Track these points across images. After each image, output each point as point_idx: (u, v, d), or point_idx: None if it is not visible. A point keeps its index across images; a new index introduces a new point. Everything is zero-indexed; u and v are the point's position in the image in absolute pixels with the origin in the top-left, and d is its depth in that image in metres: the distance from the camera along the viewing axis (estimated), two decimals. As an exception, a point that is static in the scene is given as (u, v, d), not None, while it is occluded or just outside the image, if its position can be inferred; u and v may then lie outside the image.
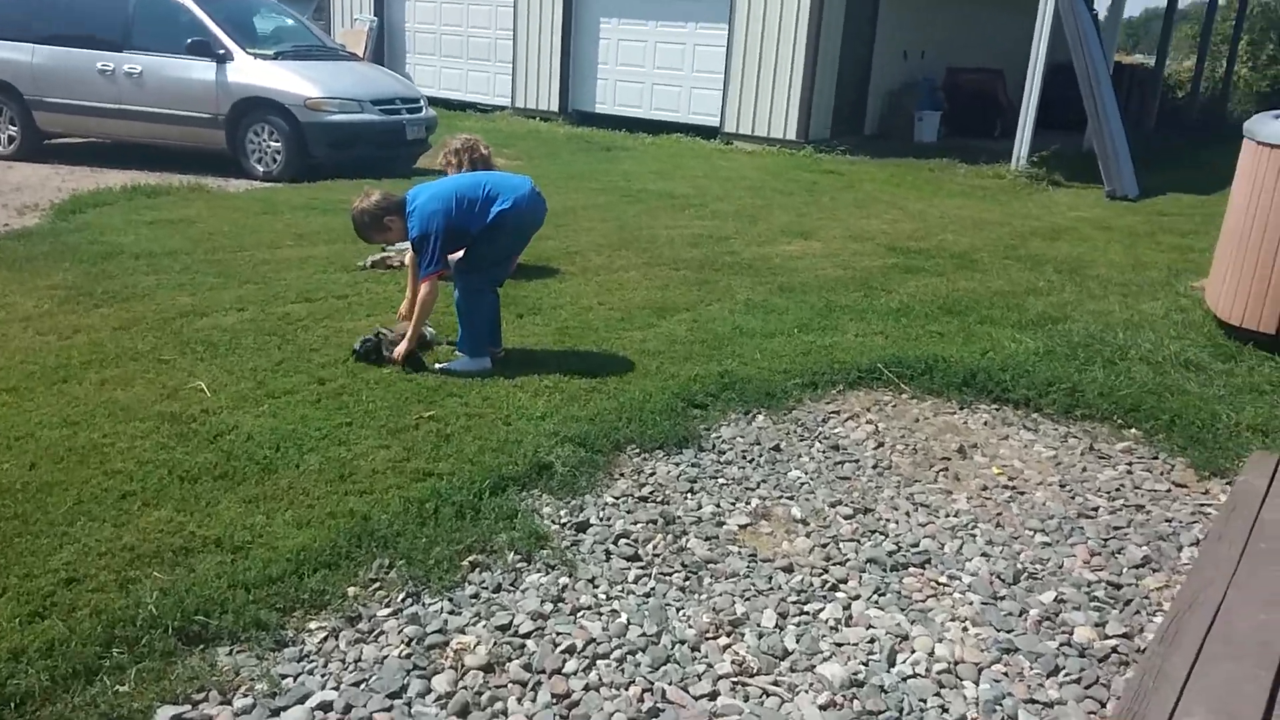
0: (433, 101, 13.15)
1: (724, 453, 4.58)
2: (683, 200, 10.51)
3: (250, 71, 11.22)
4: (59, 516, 3.69)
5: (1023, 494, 4.32)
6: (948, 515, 4.09)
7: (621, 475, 4.32)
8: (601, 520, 3.94)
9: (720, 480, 4.33)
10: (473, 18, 17.85)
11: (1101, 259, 8.56)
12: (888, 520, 4.02)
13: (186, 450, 4.26)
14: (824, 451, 4.64)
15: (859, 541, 3.85)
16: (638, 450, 4.53)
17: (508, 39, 17.32)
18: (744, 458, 4.54)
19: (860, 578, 3.61)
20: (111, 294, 6.36)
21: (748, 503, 4.14)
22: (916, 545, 3.83)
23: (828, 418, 5.01)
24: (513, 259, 5.58)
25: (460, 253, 5.34)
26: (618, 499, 4.12)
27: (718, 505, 4.10)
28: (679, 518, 3.98)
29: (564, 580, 3.52)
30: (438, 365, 5.30)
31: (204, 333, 5.69)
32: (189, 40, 11.15)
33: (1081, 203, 11.75)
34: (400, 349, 5.25)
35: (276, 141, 11.28)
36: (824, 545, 3.81)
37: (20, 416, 4.51)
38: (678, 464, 4.44)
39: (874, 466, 4.52)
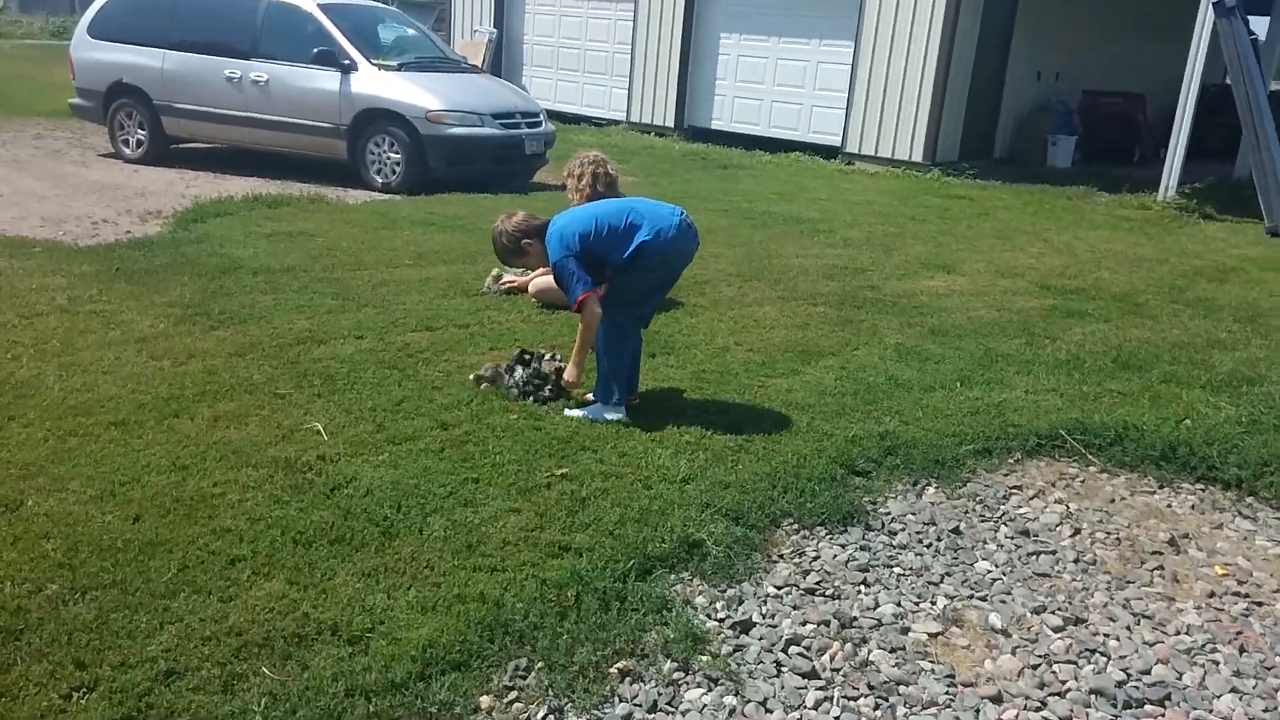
0: (549, 115, 12.71)
1: (895, 533, 3.96)
2: (810, 225, 9.87)
3: (374, 82, 10.93)
4: (161, 586, 3.25)
5: (1260, 605, 3.60)
6: (1177, 632, 3.40)
7: (781, 558, 3.73)
8: (765, 618, 3.35)
9: (896, 570, 3.70)
10: (591, 31, 17.45)
11: (1273, 307, 7.66)
12: (1106, 636, 3.35)
13: (301, 505, 3.79)
14: (1012, 538, 3.98)
15: (1076, 664, 3.19)
16: (796, 526, 3.93)
17: (625, 53, 16.87)
18: (920, 541, 3.90)
19: (1088, 716, 2.95)
20: (229, 314, 5.99)
21: (933, 601, 3.51)
22: (1148, 672, 3.15)
23: (1009, 494, 4.34)
24: (659, 296, 5.03)
25: (601, 288, 4.80)
26: (781, 589, 3.53)
27: (898, 604, 3.48)
28: (855, 620, 3.37)
29: (730, 701, 2.94)
30: (567, 410, 4.77)
31: (321, 363, 5.26)
32: (315, 50, 10.91)
33: (1241, 239, 10.78)
34: (570, 373, 4.85)
35: (396, 153, 10.95)
36: (1034, 667, 3.16)
37: (128, 457, 4.11)
38: (844, 546, 3.83)
39: (1075, 560, 3.84)
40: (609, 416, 4.73)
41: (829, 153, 14.79)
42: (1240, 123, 11.69)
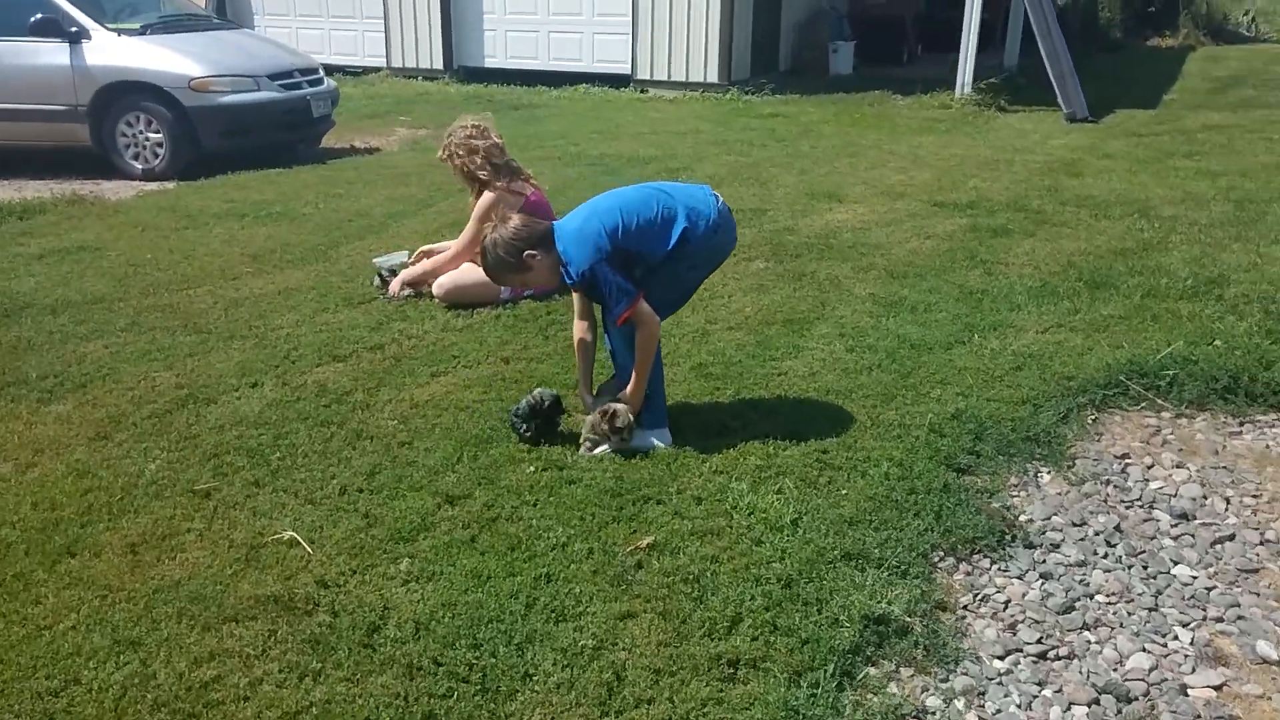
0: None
1: (1057, 545, 3.25)
2: (661, 164, 8.98)
3: (115, 51, 9.02)
4: None
5: None
6: None
7: (966, 609, 2.94)
8: (1024, 708, 2.55)
9: (1100, 599, 3.01)
10: (330, -31, 15.53)
11: (1153, 195, 7.56)
12: (1400, 643, 2.77)
13: (344, 675, 2.62)
14: (1176, 525, 3.37)
15: None
16: (952, 561, 3.15)
17: (374, -9, 15.13)
18: (1093, 553, 3.22)
19: None
20: (55, 377, 4.49)
21: (1175, 637, 2.83)
22: None
23: (1123, 466, 3.73)
24: (688, 299, 4.08)
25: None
26: (1005, 659, 2.74)
27: (1144, 649, 2.78)
28: (1122, 685, 2.63)
29: None
30: (594, 449, 3.75)
31: (227, 433, 3.94)
32: (33, 18, 8.80)
33: (1049, 128, 10.83)
34: (635, 402, 3.75)
35: (156, 132, 9.15)
36: (1371, 709, 2.54)
37: (31, 652, 2.75)
38: (1021, 577, 3.09)
39: (1261, 541, 3.27)
40: (658, 443, 3.76)
41: (618, 82, 13.87)
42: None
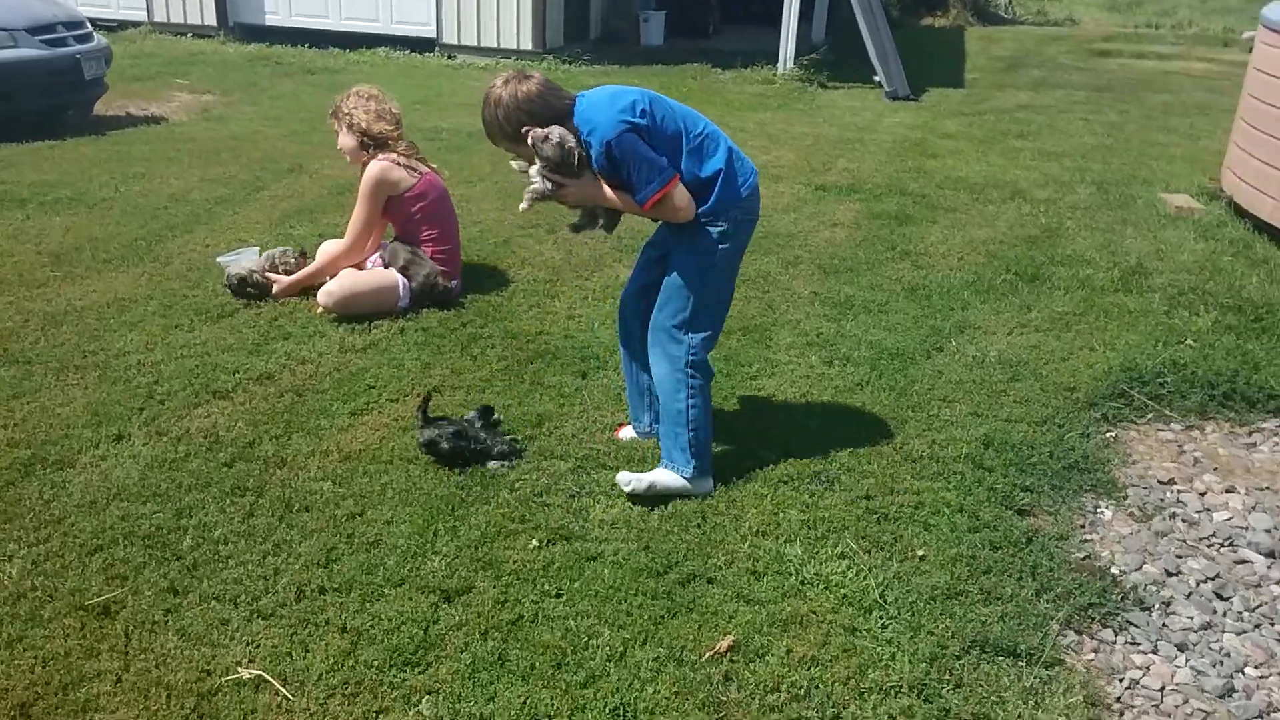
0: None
1: (1169, 604, 2.86)
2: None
3: None
4: None
5: None
6: None
7: (1121, 703, 2.46)
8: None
9: (1253, 672, 2.62)
10: (74, -93, 13.38)
11: (1015, 177, 7.48)
12: None
13: None
14: (1271, 565, 3.04)
15: None
16: (1070, 631, 2.68)
17: (127, -66, 13.21)
18: (1212, 611, 2.85)
19: None
20: None
21: (1351, 712, 2.47)
22: None
23: (1176, 495, 3.40)
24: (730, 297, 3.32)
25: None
26: (1195, 763, 2.28)
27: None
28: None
29: None
30: (630, 483, 3.04)
31: (106, 510, 2.96)
32: None
33: (877, 106, 10.72)
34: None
35: (-116, 96, 7.39)
36: None
37: None
38: (1154, 649, 2.67)
39: (1356, 577, 2.99)
40: (695, 490, 3.15)
41: (421, 46, 12.72)
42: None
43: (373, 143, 4.57)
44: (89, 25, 8.67)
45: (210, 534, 2.86)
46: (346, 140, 4.63)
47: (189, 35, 13.31)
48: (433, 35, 12.64)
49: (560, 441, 3.43)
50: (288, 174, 6.78)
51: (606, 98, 2.96)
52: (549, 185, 2.99)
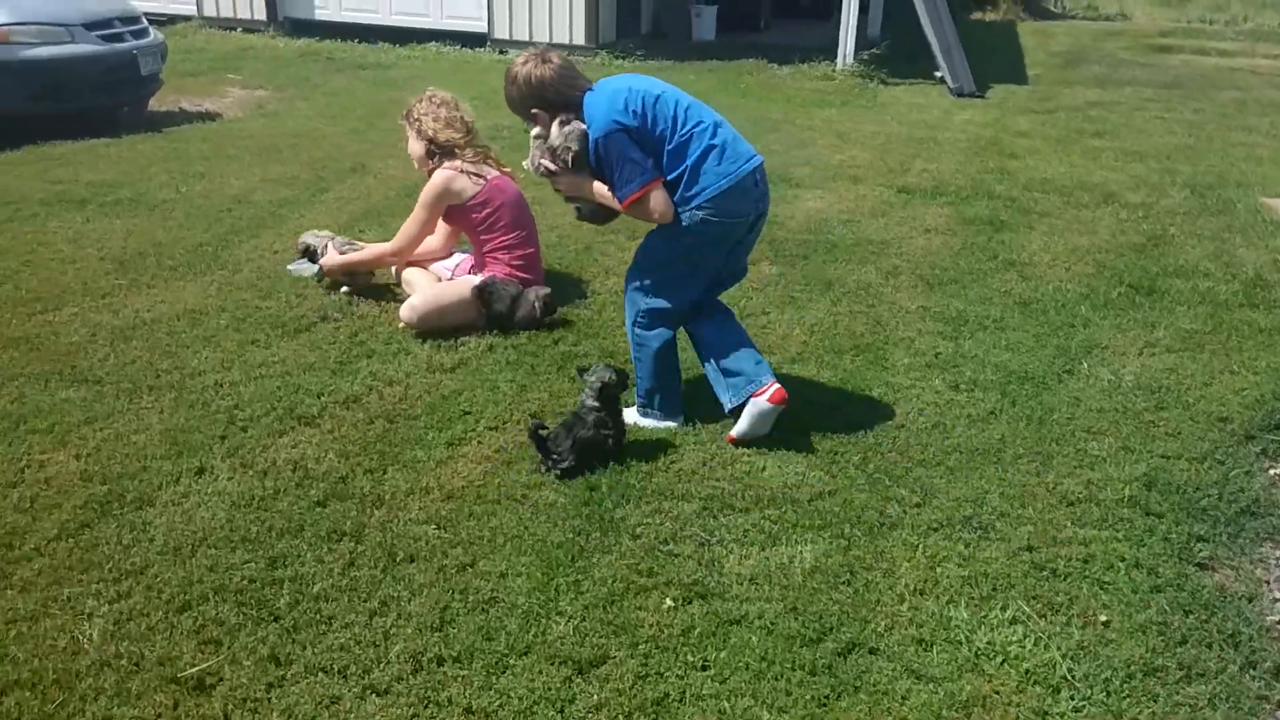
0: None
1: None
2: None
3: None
4: None
5: None
6: None
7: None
8: None
9: None
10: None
11: (1103, 179, 7.04)
12: None
13: None
14: None
15: None
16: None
17: (176, -73, 12.98)
18: None
19: None
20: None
21: None
22: None
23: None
24: (712, 272, 3.39)
25: None
26: None
27: None
28: None
29: None
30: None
31: (193, 558, 2.66)
32: None
33: (943, 103, 10.29)
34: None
35: (-59, 93, 7.15)
36: None
37: None
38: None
39: None
40: (670, 424, 3.38)
41: (472, 41, 12.39)
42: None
43: (439, 150, 4.29)
44: (145, 20, 8.41)
45: (309, 588, 2.55)
46: (415, 146, 4.36)
47: (239, 30, 13.06)
48: (484, 30, 12.31)
49: (680, 478, 3.10)
50: (351, 174, 6.48)
51: (608, 96, 3.10)
52: (543, 167, 3.14)
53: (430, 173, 4.33)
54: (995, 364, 3.95)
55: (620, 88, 3.14)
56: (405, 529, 2.81)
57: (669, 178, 3.09)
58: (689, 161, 3.08)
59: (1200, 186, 6.91)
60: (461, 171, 4.22)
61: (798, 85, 11.08)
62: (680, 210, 3.10)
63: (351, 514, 2.87)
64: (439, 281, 4.40)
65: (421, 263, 4.49)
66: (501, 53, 12.18)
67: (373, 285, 4.49)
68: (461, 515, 2.88)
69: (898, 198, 6.40)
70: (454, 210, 4.27)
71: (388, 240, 4.48)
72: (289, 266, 4.64)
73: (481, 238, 4.29)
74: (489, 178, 4.29)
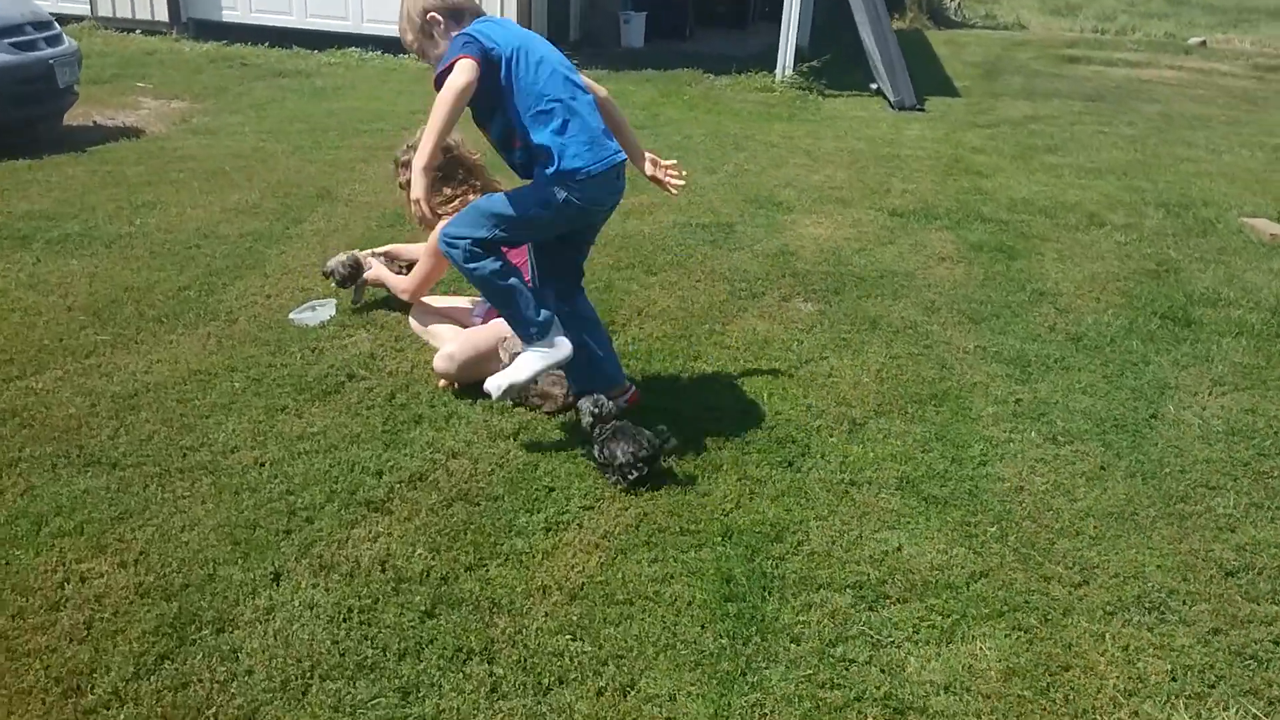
0: None
1: None
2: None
3: None
4: None
5: None
6: None
7: None
8: None
9: None
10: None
11: (1079, 199, 7.06)
12: None
13: None
14: None
15: None
16: None
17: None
18: None
19: None
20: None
21: None
22: None
23: None
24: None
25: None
26: None
27: None
28: None
29: None
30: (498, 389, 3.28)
31: (307, 699, 2.28)
32: None
33: (889, 117, 10.28)
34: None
35: None
36: None
37: None
38: None
39: None
40: (555, 354, 3.27)
41: (395, 47, 11.81)
42: None
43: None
44: (58, 26, 7.68)
45: (457, 728, 2.18)
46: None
47: (138, 31, 12.24)
48: (408, 36, 11.75)
49: (815, 562, 2.82)
50: (319, 201, 5.99)
51: (499, 24, 3.10)
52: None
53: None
54: (1080, 410, 3.80)
55: (519, 33, 3.12)
56: (539, 642, 2.46)
57: (535, 143, 3.04)
58: (548, 139, 3.02)
59: (1172, 206, 6.98)
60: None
61: (741, 97, 10.93)
62: (555, 184, 3.06)
63: (471, 626, 2.50)
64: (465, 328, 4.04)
65: (439, 310, 4.12)
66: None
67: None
68: (595, 620, 2.55)
69: (893, 221, 6.25)
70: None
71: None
72: (291, 316, 4.19)
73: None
74: None
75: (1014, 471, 3.35)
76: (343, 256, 4.29)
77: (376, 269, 4.27)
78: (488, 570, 2.73)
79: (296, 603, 2.55)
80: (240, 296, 4.48)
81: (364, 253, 4.36)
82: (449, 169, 3.93)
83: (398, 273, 4.24)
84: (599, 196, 3.18)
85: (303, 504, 2.96)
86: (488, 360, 3.73)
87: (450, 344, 3.75)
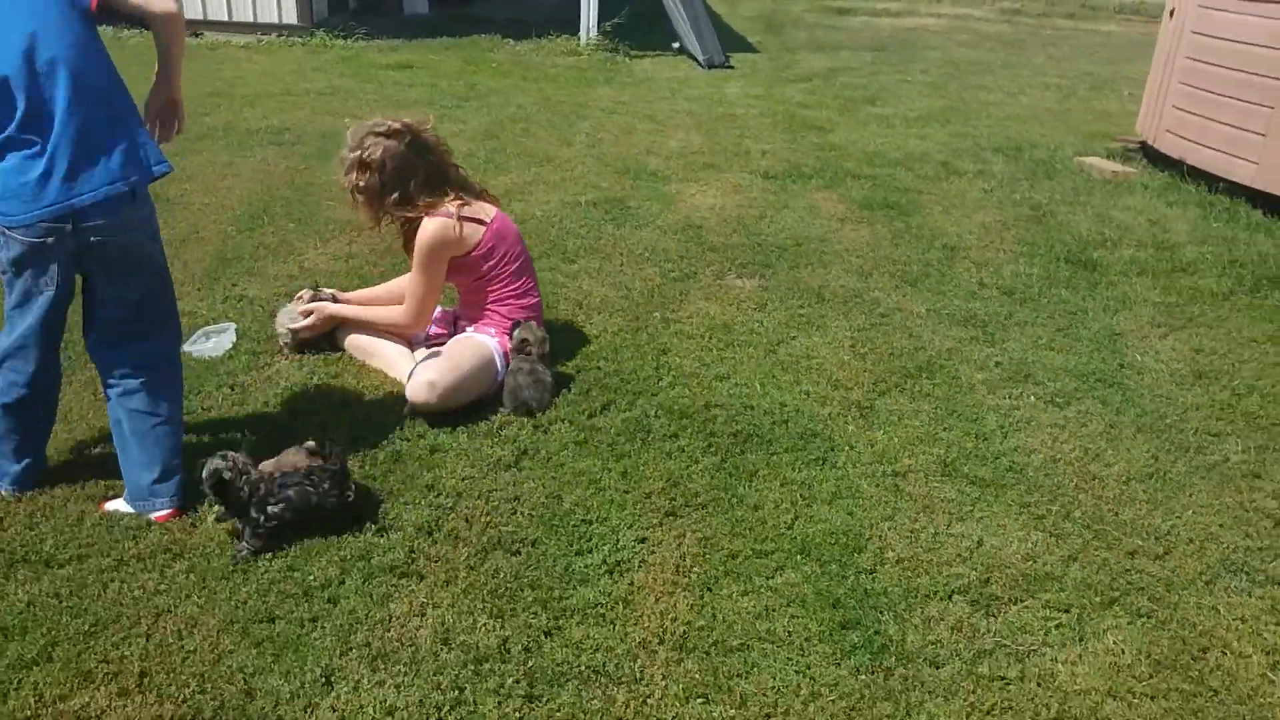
0: None
1: None
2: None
3: None
4: None
5: None
6: None
7: None
8: None
9: None
10: None
11: (923, 149, 7.20)
12: None
13: None
14: None
15: None
16: None
17: None
18: None
19: None
20: None
21: None
22: None
23: None
24: None
25: None
26: None
27: None
28: None
29: None
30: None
31: None
32: None
33: (701, 75, 10.19)
34: None
35: None
36: None
37: None
38: None
39: None
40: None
41: (157, 22, 10.59)
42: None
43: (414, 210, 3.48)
44: None
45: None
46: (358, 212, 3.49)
47: None
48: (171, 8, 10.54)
49: (909, 569, 2.62)
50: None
51: None
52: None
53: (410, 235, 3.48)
54: (1058, 368, 3.78)
55: None
56: (674, 712, 2.13)
57: None
58: None
59: (1007, 150, 7.24)
60: (452, 216, 3.38)
61: (549, 61, 10.53)
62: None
63: (590, 705, 2.13)
64: (410, 348, 3.56)
65: (376, 325, 3.60)
66: (195, 35, 10.55)
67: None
68: (720, 674, 2.23)
69: (772, 184, 6.12)
70: (455, 263, 3.43)
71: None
72: (187, 348, 3.54)
73: (489, 290, 3.49)
74: (485, 220, 3.48)
75: (1039, 441, 3.26)
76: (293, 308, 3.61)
77: (345, 308, 3.63)
78: (569, 632, 2.35)
79: (370, 710, 2.08)
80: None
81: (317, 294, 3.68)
82: (429, 170, 3.39)
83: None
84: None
85: (315, 581, 2.45)
86: (470, 382, 3.29)
87: (432, 370, 3.25)
